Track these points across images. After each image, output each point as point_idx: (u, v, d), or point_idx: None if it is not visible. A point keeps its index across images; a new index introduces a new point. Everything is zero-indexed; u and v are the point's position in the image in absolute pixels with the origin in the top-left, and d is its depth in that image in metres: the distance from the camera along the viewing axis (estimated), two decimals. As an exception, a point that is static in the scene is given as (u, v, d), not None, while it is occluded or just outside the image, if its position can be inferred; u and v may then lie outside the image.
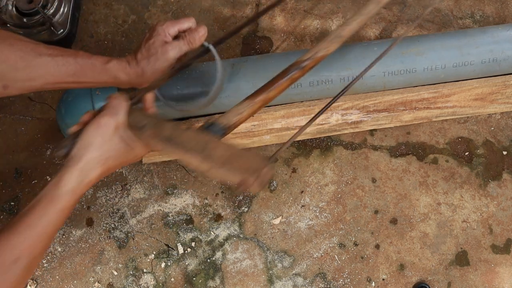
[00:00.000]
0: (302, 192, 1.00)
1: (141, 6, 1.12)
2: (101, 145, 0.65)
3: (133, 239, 0.96)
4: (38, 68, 0.71)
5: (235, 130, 0.95)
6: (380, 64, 0.93)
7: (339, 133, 1.01)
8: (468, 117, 1.05)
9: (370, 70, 0.92)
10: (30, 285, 0.93)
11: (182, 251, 0.96)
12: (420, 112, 1.01)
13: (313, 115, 0.95)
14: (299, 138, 0.99)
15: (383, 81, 0.94)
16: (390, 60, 0.93)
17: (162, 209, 0.98)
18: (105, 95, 0.85)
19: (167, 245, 0.96)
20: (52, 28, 1.03)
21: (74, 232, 0.97)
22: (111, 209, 0.98)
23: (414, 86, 0.97)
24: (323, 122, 1.00)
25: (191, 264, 0.95)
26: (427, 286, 0.93)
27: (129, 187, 1.00)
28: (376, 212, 0.98)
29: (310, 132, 1.00)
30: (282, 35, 1.10)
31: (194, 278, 0.94)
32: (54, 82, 0.73)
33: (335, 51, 0.92)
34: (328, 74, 0.91)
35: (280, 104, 0.96)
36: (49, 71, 0.72)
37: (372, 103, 0.98)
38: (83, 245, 0.96)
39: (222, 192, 0.99)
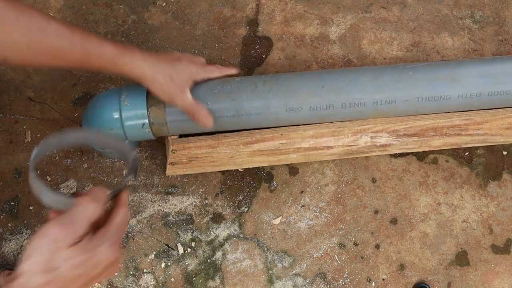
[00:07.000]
0: (302, 192, 1.00)
1: (141, 6, 1.12)
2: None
3: (133, 239, 0.96)
4: (41, 49, 0.68)
5: (262, 147, 0.97)
6: (414, 89, 0.91)
7: (366, 155, 0.99)
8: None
9: (404, 94, 0.91)
10: (30, 285, 0.93)
11: (182, 251, 0.96)
12: (450, 138, 0.98)
13: (342, 137, 0.95)
14: (328, 158, 0.99)
15: (416, 106, 0.91)
16: (425, 85, 0.90)
17: (162, 209, 0.98)
18: (133, 105, 0.83)
19: (167, 245, 0.96)
20: None
21: (74, 232, 0.97)
22: (111, 209, 0.98)
23: (446, 112, 0.95)
24: (352, 144, 0.97)
25: (191, 264, 0.95)
26: (427, 286, 0.93)
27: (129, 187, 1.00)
28: (376, 212, 0.98)
29: (338, 153, 0.97)
30: (283, 36, 1.10)
31: (194, 278, 0.94)
32: (57, 65, 0.71)
33: (369, 74, 0.91)
34: (360, 96, 0.89)
35: (310, 124, 0.94)
36: (52, 54, 0.69)
37: (403, 127, 0.95)
38: (83, 245, 0.96)
39: (222, 192, 0.99)
